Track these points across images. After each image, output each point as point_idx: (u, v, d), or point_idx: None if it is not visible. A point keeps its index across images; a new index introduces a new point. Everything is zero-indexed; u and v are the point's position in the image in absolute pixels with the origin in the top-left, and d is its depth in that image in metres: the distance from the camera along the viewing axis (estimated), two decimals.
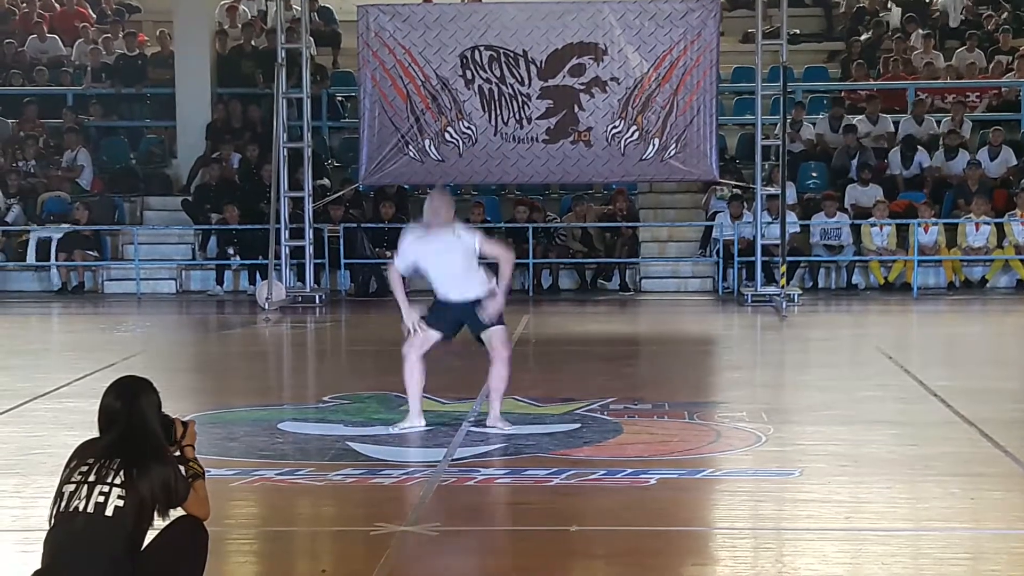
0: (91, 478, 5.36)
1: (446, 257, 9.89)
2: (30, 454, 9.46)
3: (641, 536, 7.37)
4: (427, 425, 10.13)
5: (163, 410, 5.66)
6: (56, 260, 21.62)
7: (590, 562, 7.04)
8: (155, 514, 5.47)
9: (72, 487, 5.38)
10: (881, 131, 22.89)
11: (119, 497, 5.33)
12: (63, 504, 5.37)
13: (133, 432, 5.48)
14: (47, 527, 5.44)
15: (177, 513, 5.60)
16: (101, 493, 5.33)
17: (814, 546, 7.14)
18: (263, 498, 8.28)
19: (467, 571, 6.97)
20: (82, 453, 5.49)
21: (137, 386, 5.62)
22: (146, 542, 5.50)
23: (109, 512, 5.31)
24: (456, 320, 10.09)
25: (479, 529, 7.75)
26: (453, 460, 9.11)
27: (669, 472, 8.71)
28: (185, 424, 5.75)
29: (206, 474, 5.79)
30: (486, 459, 9.14)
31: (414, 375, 10.06)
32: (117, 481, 5.35)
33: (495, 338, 10.02)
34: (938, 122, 23.05)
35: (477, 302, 9.95)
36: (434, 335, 10.07)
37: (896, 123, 22.99)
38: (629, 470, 8.70)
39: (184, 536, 5.59)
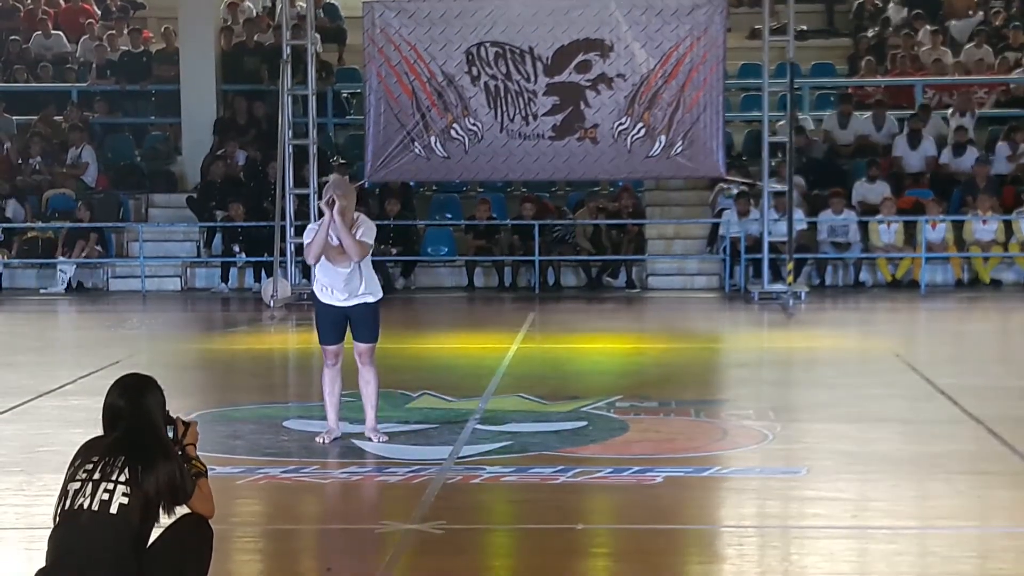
0: (96, 476, 5.34)
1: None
2: (35, 451, 9.45)
3: (647, 534, 7.35)
4: (433, 423, 10.13)
5: (168, 408, 5.64)
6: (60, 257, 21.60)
7: (596, 560, 7.03)
8: (160, 512, 5.45)
9: (77, 485, 5.35)
10: (888, 132, 22.80)
11: (124, 495, 5.31)
12: (68, 502, 5.35)
13: (138, 430, 5.46)
14: (51, 525, 5.42)
15: (182, 511, 5.57)
16: (106, 491, 5.30)
17: (821, 544, 7.12)
18: (268, 496, 8.26)
19: (472, 569, 6.95)
20: (87, 451, 5.46)
21: (142, 384, 5.60)
22: (151, 540, 5.48)
23: (114, 510, 5.29)
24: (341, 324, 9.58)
25: (485, 527, 7.74)
26: (459, 458, 9.10)
27: (676, 470, 8.68)
28: (187, 424, 5.72)
29: (209, 472, 5.77)
30: (492, 457, 9.12)
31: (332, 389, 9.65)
32: (122, 479, 5.32)
33: (365, 354, 9.62)
34: (945, 119, 22.97)
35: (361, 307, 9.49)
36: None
37: (902, 120, 22.89)
38: (635, 468, 8.68)
39: (189, 534, 5.56)
